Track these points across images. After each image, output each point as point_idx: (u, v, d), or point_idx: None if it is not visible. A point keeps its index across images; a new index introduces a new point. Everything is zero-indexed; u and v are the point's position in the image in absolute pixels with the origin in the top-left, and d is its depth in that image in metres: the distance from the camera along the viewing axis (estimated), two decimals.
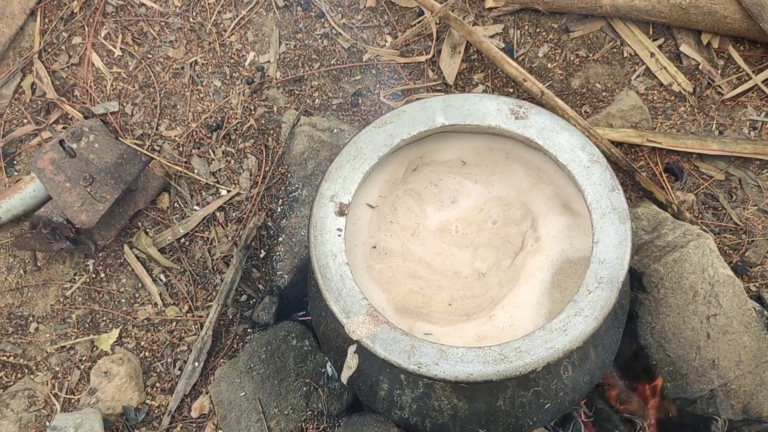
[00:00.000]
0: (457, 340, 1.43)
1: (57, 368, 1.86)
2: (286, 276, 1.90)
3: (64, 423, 1.70)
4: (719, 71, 2.07)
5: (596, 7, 2.05)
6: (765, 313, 1.74)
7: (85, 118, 2.04)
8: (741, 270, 1.86)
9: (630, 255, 1.34)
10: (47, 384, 1.84)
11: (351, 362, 1.45)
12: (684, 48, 2.08)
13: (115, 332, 1.88)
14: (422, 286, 1.53)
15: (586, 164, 1.43)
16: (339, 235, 1.43)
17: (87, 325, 1.90)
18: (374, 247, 1.56)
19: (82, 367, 1.86)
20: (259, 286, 1.94)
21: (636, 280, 1.73)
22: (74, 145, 1.84)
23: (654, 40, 2.10)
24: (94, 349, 1.88)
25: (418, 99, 2.03)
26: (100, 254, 1.96)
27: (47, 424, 1.79)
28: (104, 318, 1.91)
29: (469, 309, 1.49)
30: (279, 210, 1.98)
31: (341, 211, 1.46)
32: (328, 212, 1.45)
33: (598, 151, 1.44)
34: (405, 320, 1.49)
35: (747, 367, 1.68)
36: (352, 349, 1.43)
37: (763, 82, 2.05)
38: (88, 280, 1.94)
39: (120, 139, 2.02)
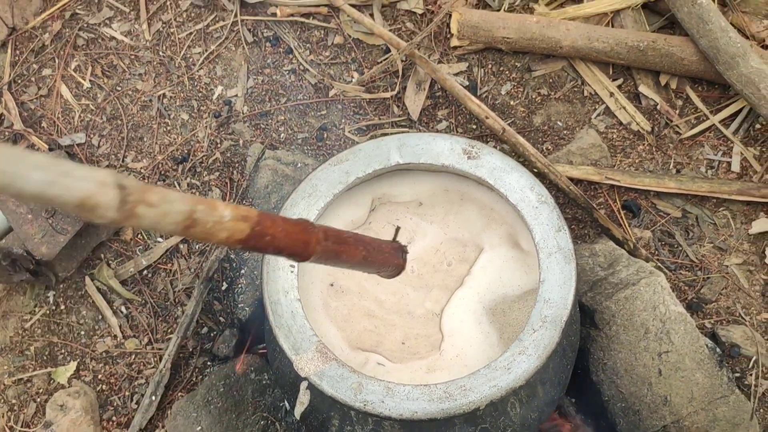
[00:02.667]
0: (408, 374, 1.45)
1: (13, 401, 1.85)
2: (247, 309, 1.91)
3: None
4: (677, 111, 2.12)
5: (557, 47, 2.10)
6: (717, 350, 1.77)
7: (50, 149, 2.06)
8: (696, 307, 1.89)
9: (574, 295, 1.36)
10: (3, 417, 1.83)
11: (303, 398, 1.45)
12: (642, 88, 2.13)
13: (73, 365, 1.88)
14: (376, 324, 1.54)
15: (534, 204, 1.46)
16: (292, 272, 1.45)
17: (45, 358, 1.90)
18: (332, 285, 1.58)
19: (39, 400, 1.85)
20: (221, 318, 1.95)
21: (588, 317, 1.75)
22: None
23: (614, 80, 2.15)
24: (51, 381, 1.87)
25: (382, 134, 2.08)
26: (61, 286, 1.96)
27: None
28: (62, 350, 1.90)
29: (421, 348, 1.51)
30: None
31: None
32: None
33: (546, 192, 1.47)
34: (360, 354, 1.50)
35: (700, 403, 1.70)
36: (304, 385, 1.44)
37: (720, 122, 2.10)
38: (48, 312, 1.94)
39: None
